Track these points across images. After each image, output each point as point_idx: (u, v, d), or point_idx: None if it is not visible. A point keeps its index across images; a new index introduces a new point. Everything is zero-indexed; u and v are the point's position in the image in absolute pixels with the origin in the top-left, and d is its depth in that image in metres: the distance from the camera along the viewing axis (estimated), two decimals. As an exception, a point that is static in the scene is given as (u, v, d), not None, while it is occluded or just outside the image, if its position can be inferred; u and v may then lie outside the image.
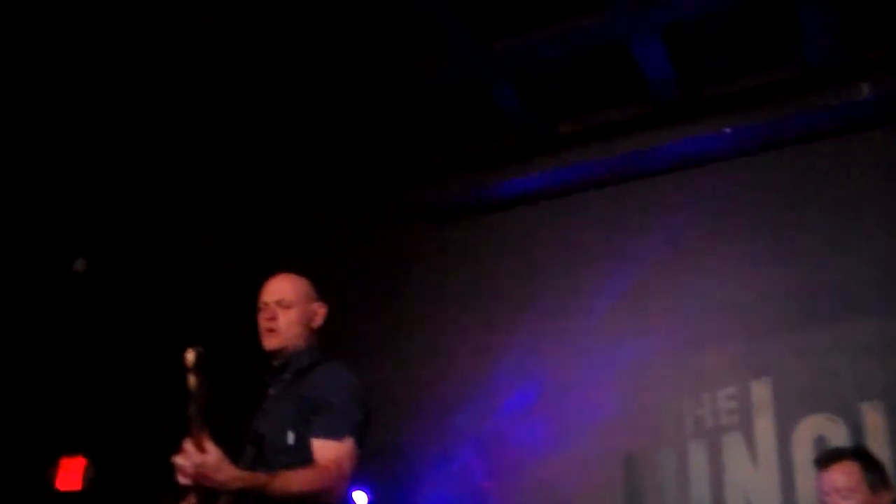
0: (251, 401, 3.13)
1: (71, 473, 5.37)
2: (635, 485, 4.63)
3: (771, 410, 4.47)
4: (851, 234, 4.53)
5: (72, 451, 5.43)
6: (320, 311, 3.17)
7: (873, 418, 4.27)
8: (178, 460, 2.56)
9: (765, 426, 4.47)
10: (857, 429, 4.28)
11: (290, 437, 2.79)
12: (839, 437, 4.29)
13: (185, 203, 5.52)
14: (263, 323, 3.08)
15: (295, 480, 2.67)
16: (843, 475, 3.16)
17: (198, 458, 2.51)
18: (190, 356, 2.54)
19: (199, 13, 4.43)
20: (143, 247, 5.54)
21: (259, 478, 2.63)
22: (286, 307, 3.08)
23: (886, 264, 4.38)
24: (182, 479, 2.59)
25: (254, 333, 3.16)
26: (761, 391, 4.51)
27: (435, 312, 5.26)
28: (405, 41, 4.75)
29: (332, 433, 2.77)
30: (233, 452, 2.76)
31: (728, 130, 4.90)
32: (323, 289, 5.44)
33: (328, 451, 2.75)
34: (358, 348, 5.29)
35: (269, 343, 3.06)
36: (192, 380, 2.54)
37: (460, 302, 5.22)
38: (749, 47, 4.80)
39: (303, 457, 2.75)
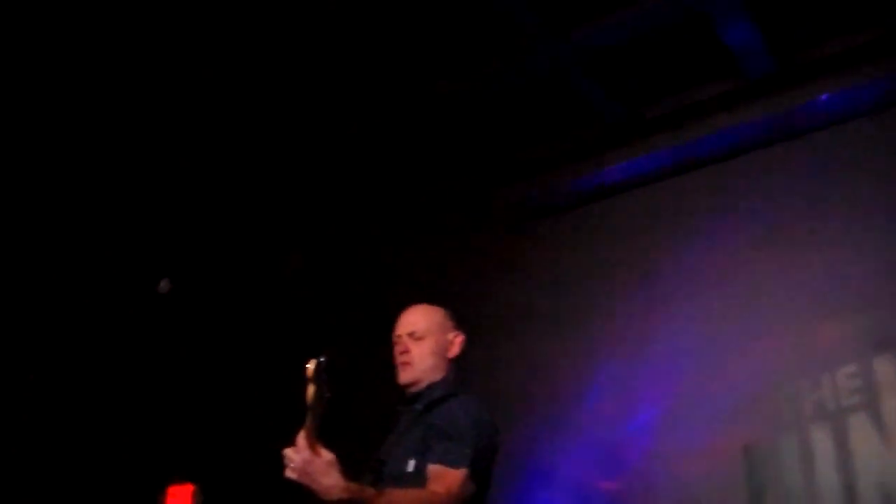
0: (378, 430, 3.15)
1: (180, 501, 5.46)
2: (758, 476, 4.43)
3: (897, 387, 4.23)
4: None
5: (180, 478, 5.52)
6: (457, 341, 3.15)
7: None
8: (289, 452, 2.50)
9: (893, 404, 4.24)
10: None
11: (411, 465, 2.78)
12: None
13: (274, 219, 5.59)
14: (397, 357, 3.09)
15: (400, 500, 2.63)
16: None
17: (308, 455, 2.46)
18: (310, 366, 2.49)
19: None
20: (236, 267, 5.63)
21: (365, 491, 2.57)
22: (418, 339, 3.08)
23: None
24: (289, 473, 2.51)
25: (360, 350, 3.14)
26: (885, 367, 4.27)
27: (538, 309, 5.17)
28: (483, 40, 4.71)
29: (448, 460, 2.73)
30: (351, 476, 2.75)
31: (824, 97, 4.71)
32: (418, 294, 5.49)
33: (441, 477, 2.71)
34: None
35: (403, 377, 3.07)
36: (310, 390, 2.49)
37: (563, 297, 5.12)
38: (834, 10, 4.62)
39: (420, 486, 2.72)
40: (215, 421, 5.58)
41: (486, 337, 5.19)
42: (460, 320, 3.21)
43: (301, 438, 2.48)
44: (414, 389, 3.05)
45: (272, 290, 5.64)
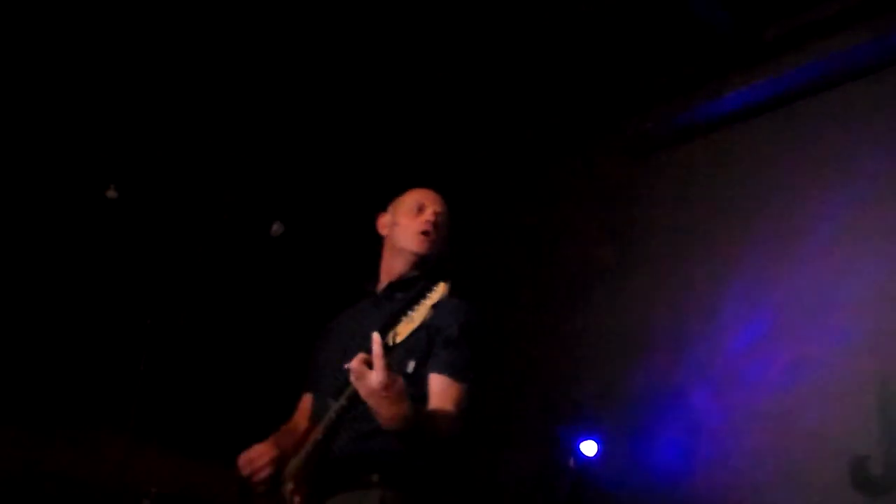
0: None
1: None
2: (892, 409, 4.32)
3: None
4: None
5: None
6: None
7: None
8: (361, 367, 2.36)
9: None
10: None
11: (410, 366, 2.67)
12: None
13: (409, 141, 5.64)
14: (422, 224, 2.93)
15: (443, 426, 2.56)
16: None
17: (385, 378, 2.33)
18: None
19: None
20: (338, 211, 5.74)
21: (419, 416, 2.46)
22: (443, 223, 2.99)
23: None
24: (358, 387, 2.38)
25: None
26: None
27: (657, 244, 5.12)
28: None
29: (454, 372, 2.66)
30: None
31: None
32: (542, 224, 5.50)
33: (447, 390, 2.64)
34: (578, 284, 5.31)
35: (422, 247, 2.91)
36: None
37: (683, 231, 5.04)
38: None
39: (416, 389, 2.60)
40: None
41: (609, 268, 5.21)
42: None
43: (377, 357, 2.35)
44: (407, 272, 2.93)
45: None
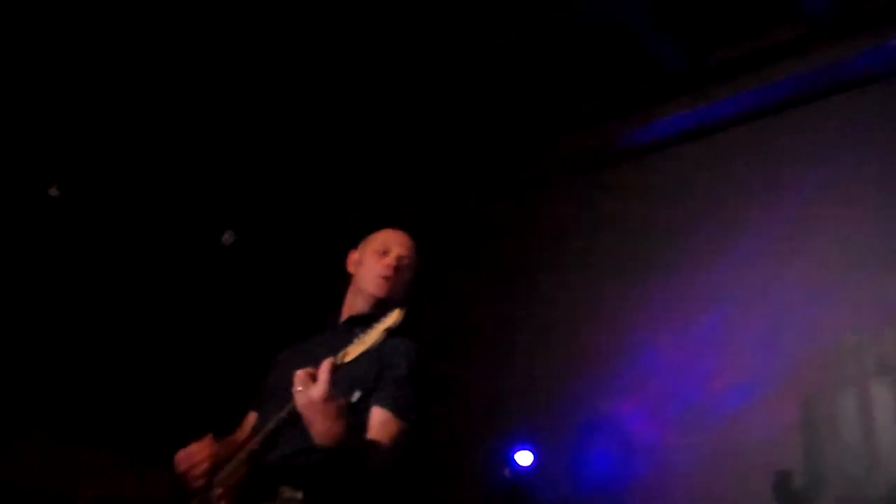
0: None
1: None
2: (814, 428, 4.51)
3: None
4: None
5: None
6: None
7: None
8: (304, 378, 2.41)
9: (956, 362, 4.29)
10: None
11: (355, 396, 2.66)
12: None
13: (331, 175, 5.74)
14: (383, 269, 3.00)
15: (375, 457, 2.56)
16: None
17: (325, 392, 2.36)
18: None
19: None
20: (290, 222, 5.79)
21: (354, 438, 2.48)
22: (407, 267, 3.05)
23: None
24: (298, 399, 2.42)
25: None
26: (952, 324, 4.32)
27: (591, 261, 5.26)
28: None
29: (398, 409, 2.68)
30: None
31: (893, 43, 4.70)
32: (476, 240, 5.61)
33: (387, 425, 2.65)
34: (517, 305, 5.43)
35: (381, 290, 2.98)
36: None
37: (616, 248, 5.20)
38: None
39: (358, 420, 2.61)
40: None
41: (543, 286, 5.35)
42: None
43: (324, 371, 2.40)
44: (367, 311, 2.98)
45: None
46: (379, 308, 2.93)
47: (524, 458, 4.90)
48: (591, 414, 4.94)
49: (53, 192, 5.07)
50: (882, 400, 4.38)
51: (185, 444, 2.86)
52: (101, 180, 5.16)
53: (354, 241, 3.21)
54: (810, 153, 4.78)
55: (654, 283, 4.99)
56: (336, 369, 2.42)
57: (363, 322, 2.84)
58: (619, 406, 4.89)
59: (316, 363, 2.50)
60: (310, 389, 2.39)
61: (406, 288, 3.05)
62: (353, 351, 2.44)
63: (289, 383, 2.64)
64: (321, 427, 2.39)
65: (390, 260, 3.01)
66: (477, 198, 5.76)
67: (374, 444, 2.59)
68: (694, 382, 4.76)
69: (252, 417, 3.08)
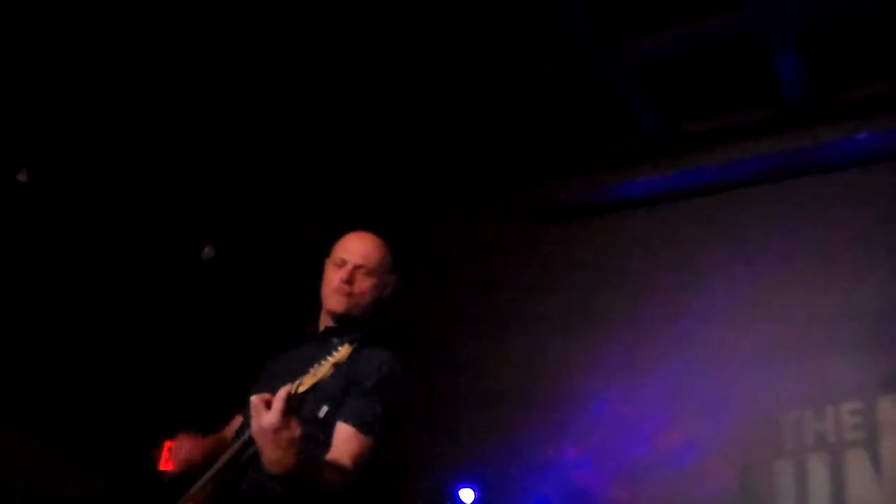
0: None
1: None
2: (751, 497, 4.73)
3: (900, 430, 4.54)
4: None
5: (175, 437, 5.78)
6: (391, 283, 3.08)
7: None
8: (258, 405, 2.44)
9: (892, 446, 4.54)
10: None
11: (323, 411, 2.72)
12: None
13: (301, 196, 5.84)
14: (336, 282, 2.97)
15: (333, 478, 2.59)
16: None
17: (278, 421, 2.39)
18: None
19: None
20: (265, 237, 5.87)
21: (307, 464, 2.50)
22: (366, 274, 2.99)
23: None
24: (253, 425, 2.46)
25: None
26: (889, 407, 4.58)
27: (548, 310, 5.45)
28: (537, 40, 4.95)
29: (360, 424, 2.71)
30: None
31: (862, 136, 4.99)
32: (434, 277, 5.74)
33: (349, 441, 2.69)
34: (470, 344, 5.57)
35: (338, 306, 2.96)
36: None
37: (576, 298, 5.40)
38: (885, 52, 4.89)
39: (326, 434, 2.69)
40: (215, 383, 5.81)
41: (495, 331, 5.51)
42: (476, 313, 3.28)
43: (278, 400, 2.42)
44: (335, 324, 3.00)
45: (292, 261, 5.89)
46: (343, 321, 2.98)
47: (466, 495, 5.03)
48: (536, 458, 5.10)
49: (22, 177, 5.08)
50: (818, 476, 4.63)
51: (127, 445, 2.94)
52: (71, 175, 5.19)
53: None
54: (770, 230, 5.07)
55: (610, 336, 5.20)
56: (291, 398, 2.43)
57: (339, 332, 2.97)
58: (565, 453, 5.05)
59: (293, 377, 2.57)
60: (262, 417, 2.42)
61: (370, 295, 3.01)
62: (308, 381, 2.47)
63: (265, 389, 2.72)
64: (271, 455, 2.42)
65: (343, 273, 2.97)
66: (445, 232, 5.89)
67: (332, 465, 2.62)
68: (639, 438, 4.96)
69: (236, 420, 3.14)
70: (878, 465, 4.54)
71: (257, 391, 2.98)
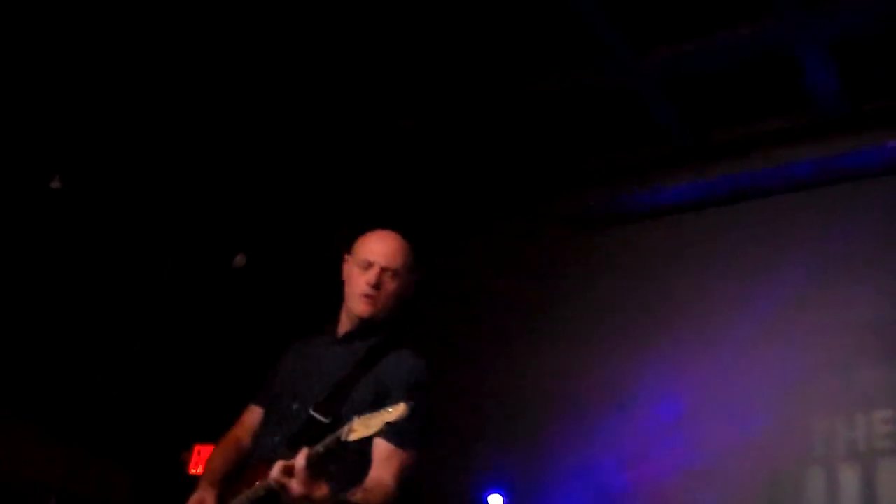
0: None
1: (203, 459, 5.85)
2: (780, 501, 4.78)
3: (932, 437, 4.57)
4: None
5: (205, 440, 5.88)
6: (414, 282, 3.03)
7: None
8: (282, 480, 2.42)
9: (923, 454, 4.58)
10: None
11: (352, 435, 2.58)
12: None
13: (333, 205, 5.94)
14: (363, 287, 2.91)
15: (382, 498, 2.60)
16: None
17: (304, 489, 2.38)
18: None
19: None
20: (295, 244, 5.96)
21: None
22: (393, 276, 2.94)
23: None
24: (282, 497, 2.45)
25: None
26: (921, 417, 4.62)
27: (579, 320, 5.51)
28: (565, 49, 5.03)
29: (403, 442, 2.70)
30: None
31: (893, 144, 5.03)
32: (468, 289, 5.81)
33: (391, 458, 2.68)
34: (499, 351, 5.64)
35: (366, 311, 2.92)
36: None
37: (606, 310, 5.46)
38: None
39: (362, 449, 2.63)
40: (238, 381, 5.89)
41: (525, 337, 5.56)
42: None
43: (300, 468, 2.40)
44: (357, 328, 2.96)
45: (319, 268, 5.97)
46: (366, 326, 2.95)
47: (495, 501, 5.09)
48: (565, 464, 5.15)
49: (56, 184, 5.18)
50: (849, 484, 4.66)
51: (155, 448, 2.98)
52: (103, 182, 5.30)
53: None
54: (800, 239, 5.11)
55: (638, 343, 5.25)
56: (311, 462, 2.41)
57: (363, 335, 2.95)
58: (595, 459, 5.11)
59: (319, 381, 2.71)
60: (289, 488, 2.40)
61: (396, 298, 2.96)
62: (332, 443, 2.43)
63: (289, 398, 2.87)
64: None
65: (370, 277, 2.91)
66: (475, 239, 5.97)
67: (375, 489, 2.62)
68: (669, 444, 4.99)
69: (253, 413, 3.13)
70: (909, 473, 4.58)
71: (281, 385, 3.03)
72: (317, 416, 2.75)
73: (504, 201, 5.91)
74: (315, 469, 2.41)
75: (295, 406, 2.87)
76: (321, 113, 5.53)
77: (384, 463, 2.68)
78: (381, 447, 2.70)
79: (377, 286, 2.91)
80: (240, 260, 4.10)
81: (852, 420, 4.75)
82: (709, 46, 4.91)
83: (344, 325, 3.02)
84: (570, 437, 5.17)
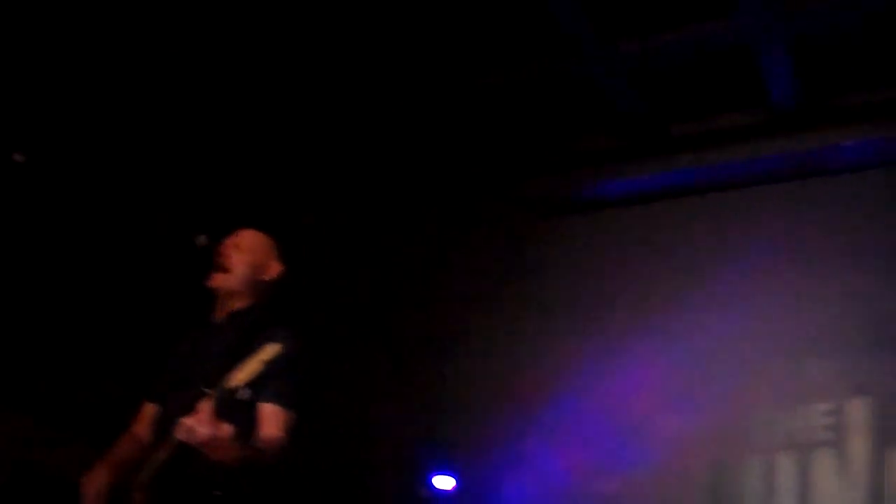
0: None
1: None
2: (720, 493, 5.01)
3: (867, 431, 4.81)
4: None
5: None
6: (274, 268, 3.38)
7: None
8: (189, 423, 2.74)
9: (859, 447, 4.82)
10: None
11: (246, 394, 2.92)
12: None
13: (298, 190, 6.08)
14: (215, 261, 3.33)
15: (269, 451, 2.98)
16: None
17: (210, 431, 2.72)
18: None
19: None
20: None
21: (248, 449, 2.90)
22: (240, 250, 3.33)
23: None
24: (185, 438, 2.78)
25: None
26: (859, 410, 4.85)
27: (537, 307, 5.72)
28: (533, 38, 5.17)
29: (282, 401, 3.05)
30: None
31: (847, 144, 5.24)
32: (427, 275, 5.96)
33: (274, 417, 3.04)
34: (457, 336, 5.82)
35: (216, 281, 3.31)
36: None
37: (562, 298, 5.67)
38: (874, 61, 5.13)
39: (250, 416, 3.00)
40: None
41: (481, 319, 5.75)
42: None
43: (203, 412, 2.73)
44: (233, 307, 3.30)
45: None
46: (244, 309, 3.30)
47: (445, 482, 5.31)
48: (515, 451, 5.38)
49: (19, 157, 5.25)
50: (786, 474, 4.91)
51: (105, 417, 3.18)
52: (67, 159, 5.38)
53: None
54: (754, 233, 5.33)
55: (590, 333, 5.47)
56: (212, 403, 2.76)
57: (239, 316, 3.29)
58: (542, 447, 5.32)
59: (206, 362, 3.05)
60: (196, 433, 2.73)
61: (248, 268, 3.32)
62: (238, 377, 2.82)
63: (180, 380, 3.17)
64: (217, 456, 2.81)
65: (218, 254, 3.34)
66: (435, 225, 6.13)
67: (266, 441, 2.99)
68: (613, 433, 5.23)
69: (149, 409, 3.41)
70: (844, 465, 4.82)
71: (172, 373, 3.33)
72: (206, 391, 3.01)
73: (466, 187, 6.07)
74: (216, 413, 2.74)
75: (188, 388, 3.10)
76: (288, 99, 5.64)
77: (270, 420, 3.04)
78: (264, 409, 3.05)
79: (223, 257, 3.31)
80: (203, 240, 4.24)
81: (793, 412, 4.99)
82: (673, 40, 5.08)
83: (223, 308, 3.36)
84: (520, 424, 5.38)
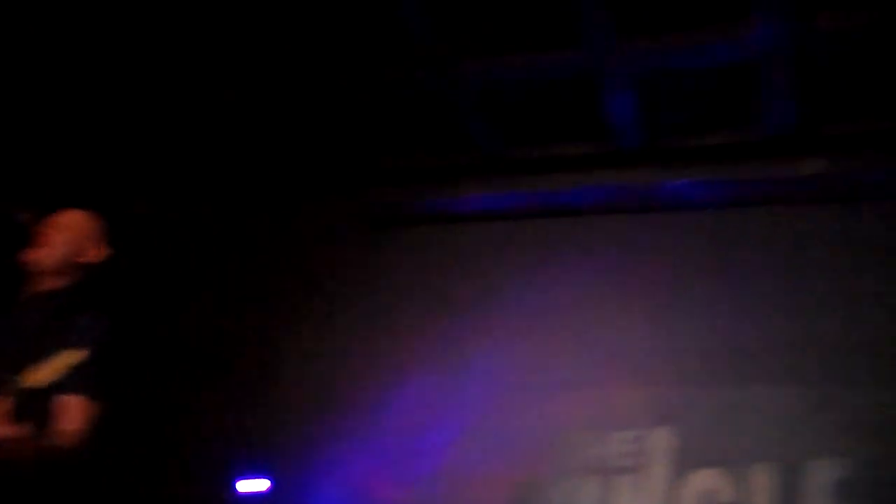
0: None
1: None
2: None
3: (666, 459, 5.07)
4: (762, 302, 5.21)
5: None
6: (94, 252, 3.37)
7: (762, 479, 4.89)
8: None
9: (658, 473, 5.06)
10: (745, 487, 4.91)
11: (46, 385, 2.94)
12: (727, 492, 4.92)
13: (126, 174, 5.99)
14: (33, 237, 3.32)
15: (65, 443, 2.95)
16: None
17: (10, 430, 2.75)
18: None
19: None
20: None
21: (42, 447, 2.88)
22: (60, 229, 3.33)
23: (792, 333, 5.05)
24: None
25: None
26: (659, 439, 5.11)
27: (354, 314, 5.81)
28: (383, 47, 5.19)
29: (82, 390, 3.01)
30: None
31: (682, 182, 5.49)
32: (260, 282, 5.94)
33: (80, 410, 3.01)
34: (286, 343, 5.83)
35: (30, 257, 3.28)
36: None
37: (385, 310, 5.76)
38: (715, 107, 5.38)
39: (48, 407, 2.96)
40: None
41: (310, 326, 5.78)
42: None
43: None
44: (46, 287, 3.27)
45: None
46: (56, 290, 3.27)
47: (261, 485, 5.30)
48: (327, 456, 5.40)
49: None
50: (588, 496, 5.09)
51: None
52: None
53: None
54: (578, 261, 5.51)
55: (407, 346, 5.56)
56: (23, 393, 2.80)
57: (50, 297, 3.26)
58: (354, 454, 5.36)
59: (20, 341, 3.01)
60: None
61: (63, 247, 3.31)
62: (34, 378, 2.83)
63: None
64: (11, 457, 2.79)
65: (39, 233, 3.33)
66: (272, 225, 6.12)
67: (62, 434, 2.94)
68: (425, 447, 5.33)
69: None
70: (642, 490, 5.05)
71: None
72: (8, 374, 2.99)
73: (302, 194, 6.09)
74: (11, 414, 2.74)
75: None
76: (125, 91, 5.52)
77: (69, 412, 2.99)
78: (63, 400, 3.00)
79: (41, 235, 3.30)
80: (24, 217, 4.19)
81: (601, 436, 5.18)
82: (519, 65, 5.20)
83: (35, 286, 3.33)
84: (332, 430, 5.43)
